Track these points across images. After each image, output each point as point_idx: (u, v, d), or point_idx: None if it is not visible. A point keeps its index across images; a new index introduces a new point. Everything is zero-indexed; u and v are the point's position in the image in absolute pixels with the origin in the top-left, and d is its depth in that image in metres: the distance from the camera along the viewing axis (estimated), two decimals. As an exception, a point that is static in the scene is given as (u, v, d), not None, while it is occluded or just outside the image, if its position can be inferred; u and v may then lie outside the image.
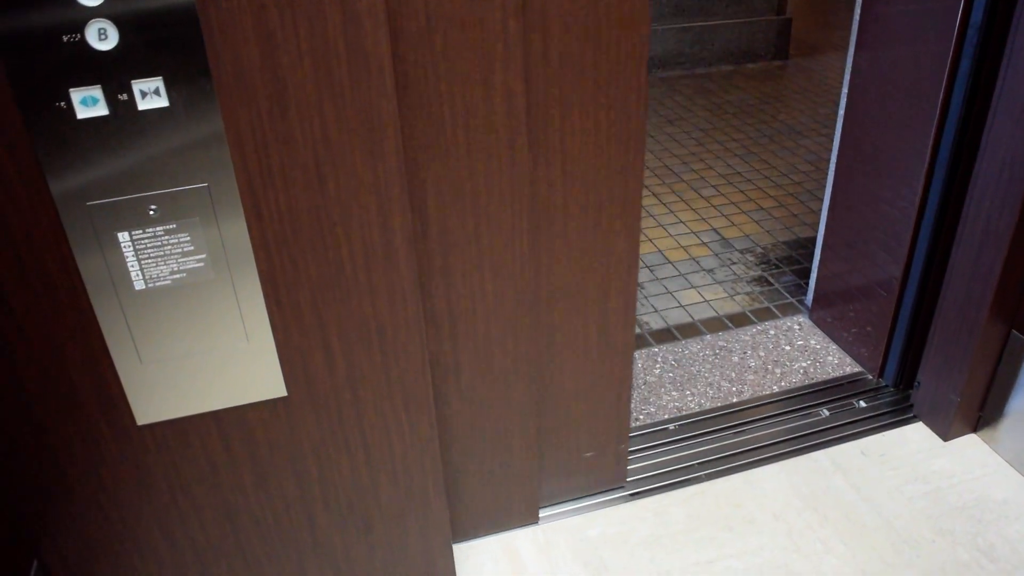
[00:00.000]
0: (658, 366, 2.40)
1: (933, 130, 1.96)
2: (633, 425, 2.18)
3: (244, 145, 1.14)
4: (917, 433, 2.16)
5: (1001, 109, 1.80)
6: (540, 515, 1.94)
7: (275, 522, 1.55)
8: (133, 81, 1.08)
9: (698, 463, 2.06)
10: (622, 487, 1.98)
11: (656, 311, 2.68)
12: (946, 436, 2.14)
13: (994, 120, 1.83)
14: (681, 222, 3.27)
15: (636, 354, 2.46)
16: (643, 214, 3.34)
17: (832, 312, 2.52)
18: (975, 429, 2.16)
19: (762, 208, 3.39)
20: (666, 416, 2.21)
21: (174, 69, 1.08)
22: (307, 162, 1.17)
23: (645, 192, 3.54)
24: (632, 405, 2.25)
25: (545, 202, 1.52)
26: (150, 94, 1.09)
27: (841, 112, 2.30)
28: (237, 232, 1.21)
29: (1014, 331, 2.00)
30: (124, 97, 1.08)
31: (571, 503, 1.97)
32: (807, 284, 2.71)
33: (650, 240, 3.13)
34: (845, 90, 2.26)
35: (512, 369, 1.67)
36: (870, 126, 2.19)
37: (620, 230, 1.58)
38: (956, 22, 1.83)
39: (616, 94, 1.42)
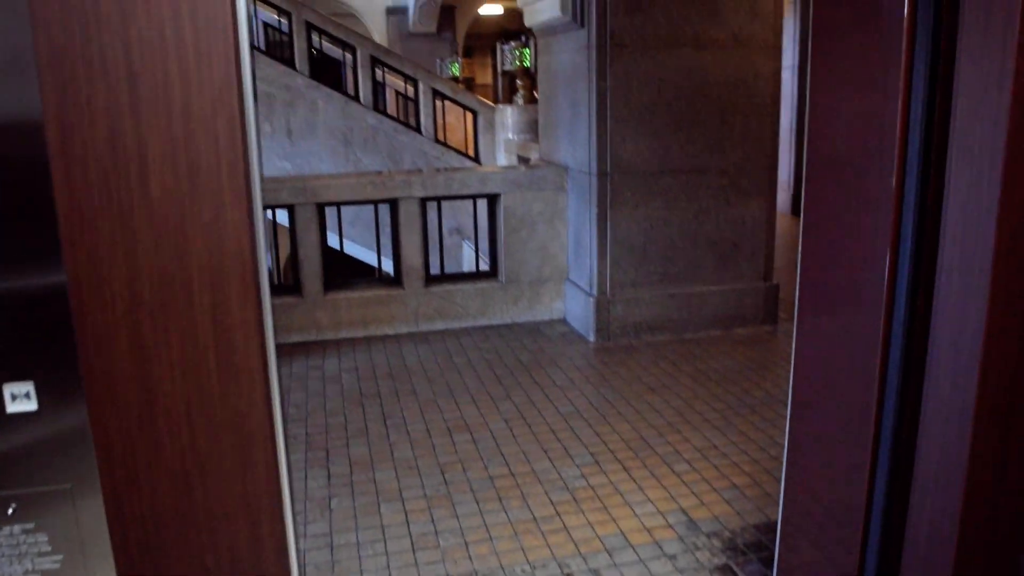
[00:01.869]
0: (603, 666, 2.23)
1: (874, 404, 1.92)
2: None
3: (111, 449, 1.13)
4: None
5: (931, 392, 1.77)
6: None
7: None
8: (5, 384, 1.09)
9: None
10: None
11: (610, 601, 2.54)
12: None
13: (928, 406, 1.80)
14: (649, 500, 3.18)
15: (581, 651, 2.30)
16: (611, 491, 3.26)
17: (798, 608, 2.37)
18: None
19: (735, 486, 3.30)
20: None
21: (46, 375, 1.09)
22: (174, 469, 1.15)
23: (616, 466, 3.48)
24: None
25: None
26: (20, 397, 1.10)
27: (791, 382, 2.28)
28: (98, 535, 1.17)
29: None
30: (-6, 399, 1.09)
31: None
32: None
33: (613, 520, 3.03)
34: (792, 360, 2.25)
35: None
36: (815, 397, 2.16)
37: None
38: (884, 290, 1.84)
39: None
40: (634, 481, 3.34)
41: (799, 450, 2.29)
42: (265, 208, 4.80)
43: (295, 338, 5.25)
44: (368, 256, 7.86)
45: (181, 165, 1.06)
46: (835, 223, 2.04)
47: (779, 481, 3.33)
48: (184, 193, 1.07)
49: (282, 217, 5.33)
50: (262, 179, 1.38)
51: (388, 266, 5.62)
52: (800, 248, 2.19)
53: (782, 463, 3.47)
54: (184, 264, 1.08)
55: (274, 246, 5.43)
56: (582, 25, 4.95)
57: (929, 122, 1.72)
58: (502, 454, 3.61)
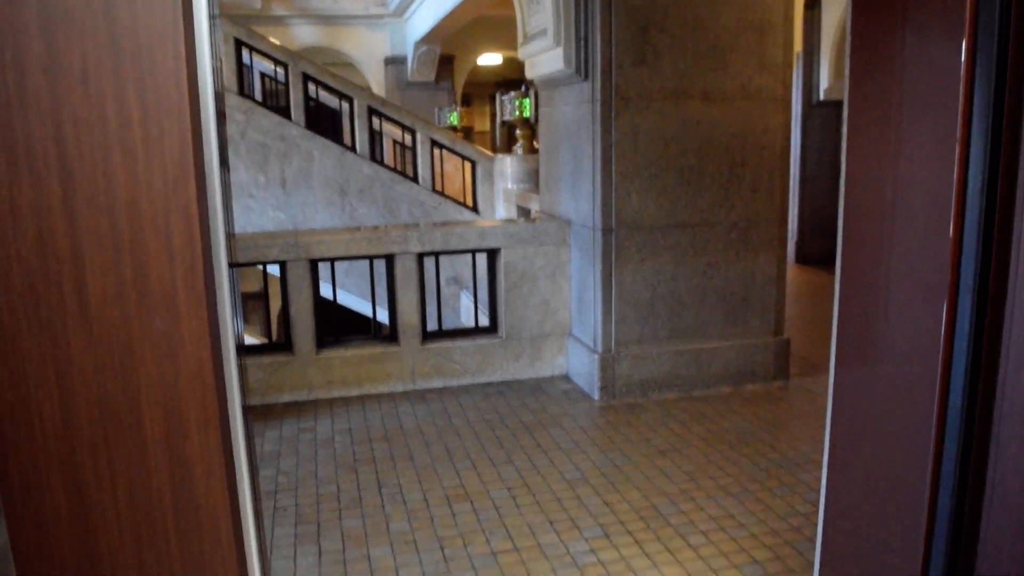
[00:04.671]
0: None
1: (930, 466, 1.72)
2: None
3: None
4: None
5: (999, 482, 1.58)
6: None
7: None
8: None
9: None
10: None
11: None
12: None
13: (992, 499, 1.61)
14: (664, 579, 2.97)
15: None
16: (623, 568, 3.05)
17: None
18: None
19: (755, 560, 3.10)
20: None
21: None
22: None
23: (627, 539, 3.27)
24: None
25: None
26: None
27: (826, 446, 2.09)
28: None
29: None
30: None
31: None
32: (803, 669, 2.36)
33: (626, 604, 2.82)
34: (828, 420, 2.07)
35: None
36: (856, 460, 1.98)
37: None
38: (940, 347, 1.66)
39: None
40: (647, 556, 3.13)
41: (838, 518, 2.09)
42: (253, 264, 4.59)
43: (286, 398, 5.05)
44: (363, 307, 7.68)
45: (125, 269, 0.89)
46: (878, 272, 1.87)
47: (802, 554, 3.13)
48: (130, 302, 0.90)
49: (273, 268, 5.17)
50: (233, 260, 1.21)
51: (383, 316, 5.45)
52: (837, 298, 2.03)
53: (807, 533, 3.28)
54: (131, 386, 0.90)
55: (265, 299, 5.25)
56: (586, 78, 4.82)
57: (994, 158, 1.55)
58: (505, 527, 3.40)
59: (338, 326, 5.58)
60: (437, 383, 5.29)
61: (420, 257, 5.20)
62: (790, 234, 9.38)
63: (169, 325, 0.92)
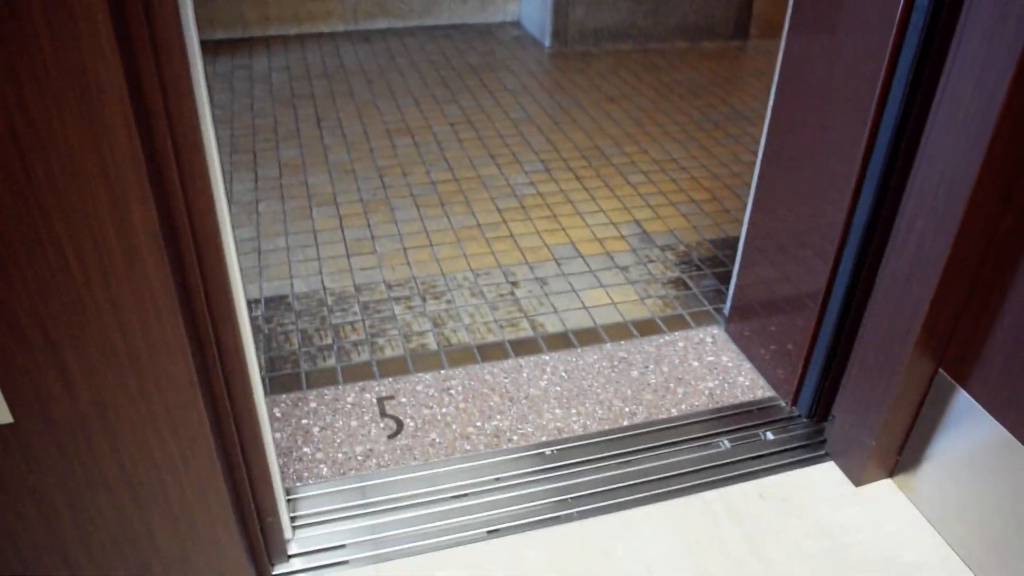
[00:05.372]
0: (545, 377, 2.12)
1: (867, 129, 1.69)
2: (506, 447, 1.91)
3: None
4: (827, 475, 1.92)
5: (941, 116, 1.53)
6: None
7: (24, 572, 1.25)
8: None
9: (572, 497, 1.79)
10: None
11: (555, 311, 2.40)
12: (859, 480, 1.90)
13: (933, 128, 1.56)
14: (602, 211, 2.99)
15: (522, 362, 2.18)
16: (561, 199, 3.06)
17: (750, 325, 2.26)
18: (891, 474, 1.93)
19: (693, 200, 3.12)
20: (544, 438, 1.94)
21: None
22: (2, 140, 0.87)
23: (568, 175, 3.25)
24: (508, 423, 1.98)
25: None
26: None
27: (771, 100, 2.03)
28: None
29: (941, 370, 1.75)
30: None
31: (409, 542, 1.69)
32: (729, 290, 2.45)
33: (563, 229, 2.84)
34: (776, 76, 1.99)
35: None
36: (799, 119, 1.92)
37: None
38: (899, 8, 1.56)
39: None
40: (586, 191, 3.14)
41: (773, 164, 2.07)
42: None
43: (219, 35, 4.75)
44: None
45: None
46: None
47: (739, 197, 3.16)
48: None
49: None
50: None
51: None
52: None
53: (747, 180, 3.30)
54: None
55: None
56: None
57: None
58: (445, 159, 3.35)
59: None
60: (381, 24, 5.00)
61: None
62: None
63: None
